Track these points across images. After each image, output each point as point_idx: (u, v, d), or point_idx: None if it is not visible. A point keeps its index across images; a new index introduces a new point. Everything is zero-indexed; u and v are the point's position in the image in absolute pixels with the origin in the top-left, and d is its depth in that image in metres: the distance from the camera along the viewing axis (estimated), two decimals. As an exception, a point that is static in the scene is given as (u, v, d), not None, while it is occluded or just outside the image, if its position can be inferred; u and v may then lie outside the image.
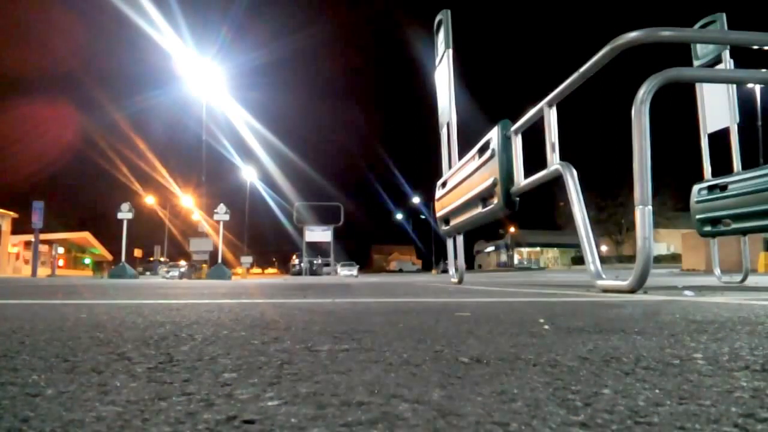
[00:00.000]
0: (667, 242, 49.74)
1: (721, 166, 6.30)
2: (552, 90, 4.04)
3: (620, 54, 3.40)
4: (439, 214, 6.94)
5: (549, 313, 2.09)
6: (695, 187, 6.40)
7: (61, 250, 40.72)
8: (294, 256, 39.10)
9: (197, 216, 28.36)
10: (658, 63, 3.57)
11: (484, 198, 5.22)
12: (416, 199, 63.33)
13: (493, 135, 4.88)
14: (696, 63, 6.59)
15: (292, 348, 1.20)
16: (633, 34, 3.31)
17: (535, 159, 4.40)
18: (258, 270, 71.07)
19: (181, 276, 24.16)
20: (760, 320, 1.80)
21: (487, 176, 4.97)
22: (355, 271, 37.22)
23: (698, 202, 6.32)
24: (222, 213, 19.47)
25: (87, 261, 56.51)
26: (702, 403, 0.70)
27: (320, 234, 29.68)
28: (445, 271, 21.03)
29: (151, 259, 50.33)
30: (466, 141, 6.03)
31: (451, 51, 6.64)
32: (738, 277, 6.57)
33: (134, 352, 1.14)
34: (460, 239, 6.90)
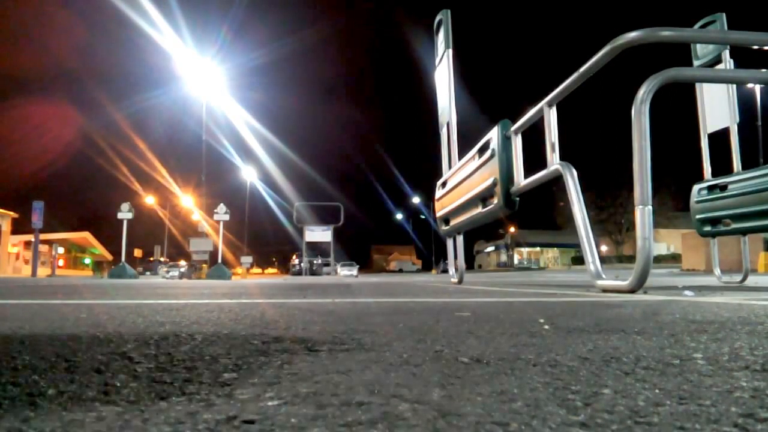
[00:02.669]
0: (667, 242, 49.73)
1: (721, 166, 6.30)
2: (552, 90, 4.04)
3: (620, 54, 3.40)
4: (439, 214, 6.94)
5: (549, 313, 2.09)
6: (695, 187, 6.40)
7: (61, 250, 40.71)
8: (294, 256, 39.14)
9: (197, 216, 28.39)
10: (658, 63, 3.57)
11: (484, 198, 5.22)
12: (416, 199, 63.44)
13: (493, 135, 4.88)
14: (696, 63, 6.59)
15: (292, 348, 1.20)
16: (633, 34, 3.31)
17: (535, 159, 4.41)
18: (258, 270, 71.13)
19: (181, 276, 24.15)
20: (760, 320, 1.80)
21: (487, 176, 4.97)
22: (355, 271, 37.22)
23: (698, 202, 6.32)
24: (222, 213, 19.46)
25: (87, 261, 56.50)
26: (702, 403, 0.70)
27: (320, 234, 29.72)
28: (445, 271, 21.03)
29: (151, 259, 50.33)
30: (466, 141, 6.03)
31: (451, 51, 6.63)
32: (738, 277, 6.57)
33: (134, 352, 1.14)
34: (460, 239, 6.90)
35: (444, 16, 6.78)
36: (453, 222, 6.46)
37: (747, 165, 6.13)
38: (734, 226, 5.86)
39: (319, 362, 1.02)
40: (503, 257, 70.69)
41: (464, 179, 5.76)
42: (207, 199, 24.64)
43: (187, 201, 39.51)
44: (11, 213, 38.73)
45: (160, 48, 25.83)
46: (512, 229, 66.28)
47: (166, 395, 0.76)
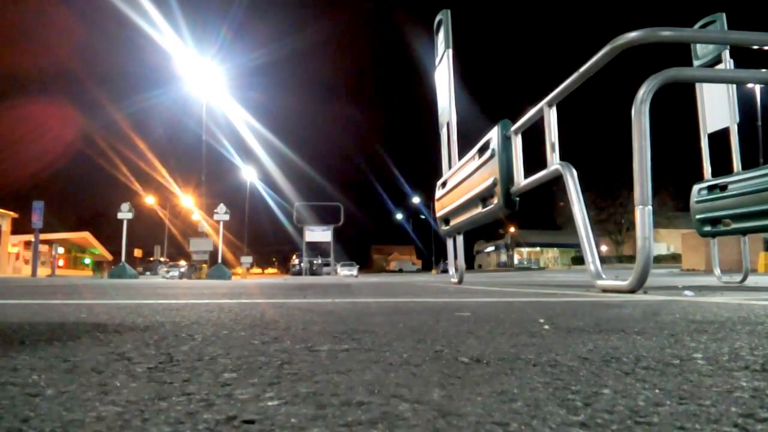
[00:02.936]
0: (667, 242, 49.75)
1: (721, 166, 6.30)
2: (552, 90, 4.04)
3: (620, 54, 3.41)
4: (439, 214, 6.94)
5: (549, 313, 2.09)
6: (695, 187, 6.41)
7: (61, 250, 40.73)
8: (294, 256, 39.15)
9: (197, 216, 28.40)
10: (658, 63, 3.57)
11: (484, 198, 5.22)
12: (416, 199, 63.45)
13: (493, 135, 4.88)
14: (696, 63, 6.59)
15: (292, 348, 1.20)
16: (633, 34, 3.31)
17: (535, 159, 4.41)
18: (258, 270, 71.15)
19: (181, 276, 24.16)
20: (760, 320, 1.80)
21: (487, 176, 4.97)
22: (355, 271, 37.22)
23: (698, 202, 6.32)
24: (222, 213, 19.47)
25: (87, 261, 56.50)
26: (702, 403, 0.70)
27: (320, 234, 29.73)
28: (445, 271, 21.03)
29: (151, 259, 50.36)
30: (466, 141, 6.03)
31: (451, 51, 6.64)
32: (738, 277, 6.57)
33: (134, 352, 1.14)
34: (460, 239, 6.90)
35: (444, 16, 6.78)
36: (453, 222, 6.46)
37: (747, 165, 6.13)
38: (734, 226, 5.86)
39: (319, 362, 1.02)
40: (503, 257, 70.69)
41: (464, 179, 5.76)
42: (207, 199, 24.67)
43: (187, 201, 39.55)
44: (11, 213, 38.72)
45: (160, 48, 25.84)
46: (512, 229, 66.28)
47: (166, 395, 0.76)
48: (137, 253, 48.21)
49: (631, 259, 33.34)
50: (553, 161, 4.04)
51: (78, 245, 53.69)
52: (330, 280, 14.12)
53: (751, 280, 6.95)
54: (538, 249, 69.22)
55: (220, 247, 19.57)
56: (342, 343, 1.28)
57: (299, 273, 29.37)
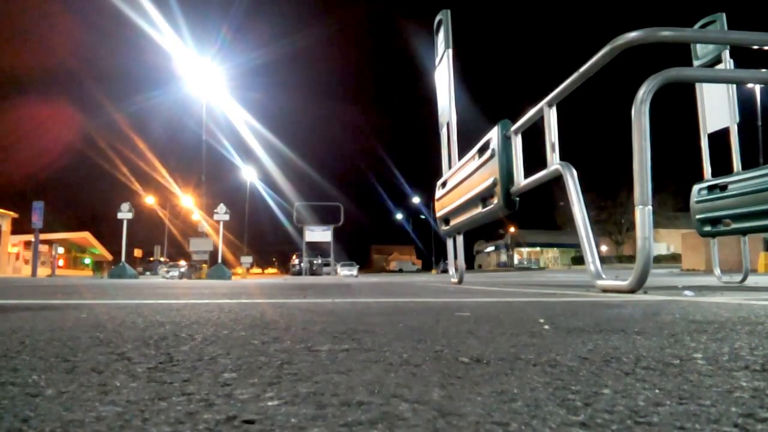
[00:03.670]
0: (667, 242, 49.76)
1: (721, 166, 6.30)
2: (552, 90, 4.04)
3: (620, 54, 3.41)
4: (439, 214, 6.95)
5: (549, 313, 2.09)
6: (695, 187, 6.41)
7: (61, 250, 40.74)
8: (294, 256, 39.21)
9: (197, 216, 28.41)
10: (658, 63, 3.57)
11: (484, 198, 5.22)
12: (416, 199, 63.52)
13: (493, 135, 4.88)
14: (696, 63, 6.59)
15: (292, 348, 1.20)
16: (633, 34, 3.31)
17: (535, 159, 4.41)
18: (258, 270, 71.14)
19: (181, 276, 24.15)
20: (760, 320, 1.80)
21: (487, 176, 4.97)
22: (355, 271, 37.24)
23: (698, 202, 6.32)
24: (222, 213, 19.47)
25: (87, 261, 56.50)
26: (702, 403, 0.70)
27: (320, 234, 29.79)
28: (445, 271, 21.04)
29: (151, 259, 50.32)
30: (466, 141, 6.03)
31: (451, 51, 6.64)
32: (738, 277, 6.57)
33: (134, 352, 1.14)
34: (460, 239, 6.90)
35: (444, 16, 6.78)
36: (453, 222, 6.46)
37: (747, 165, 6.13)
38: (734, 226, 5.86)
39: (319, 362, 1.02)
40: (503, 257, 70.70)
41: (464, 179, 5.76)
42: (207, 199, 24.65)
43: (187, 201, 39.57)
44: (11, 213, 38.72)
45: (160, 48, 25.84)
46: (512, 229, 66.30)
47: (166, 395, 0.76)
48: (137, 253, 48.22)
49: (631, 259, 33.35)
50: (553, 161, 4.04)
51: (78, 245, 53.69)
52: (330, 280, 14.12)
53: (751, 280, 6.95)
54: (538, 249, 69.22)
55: (220, 247, 19.57)
56: (342, 343, 1.28)
57: (299, 273, 29.43)
